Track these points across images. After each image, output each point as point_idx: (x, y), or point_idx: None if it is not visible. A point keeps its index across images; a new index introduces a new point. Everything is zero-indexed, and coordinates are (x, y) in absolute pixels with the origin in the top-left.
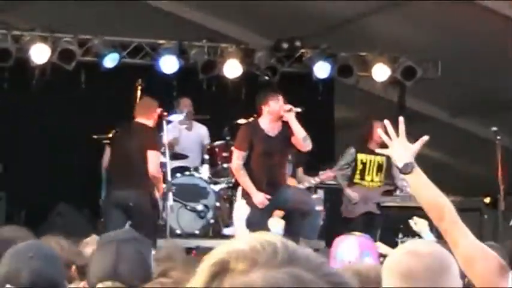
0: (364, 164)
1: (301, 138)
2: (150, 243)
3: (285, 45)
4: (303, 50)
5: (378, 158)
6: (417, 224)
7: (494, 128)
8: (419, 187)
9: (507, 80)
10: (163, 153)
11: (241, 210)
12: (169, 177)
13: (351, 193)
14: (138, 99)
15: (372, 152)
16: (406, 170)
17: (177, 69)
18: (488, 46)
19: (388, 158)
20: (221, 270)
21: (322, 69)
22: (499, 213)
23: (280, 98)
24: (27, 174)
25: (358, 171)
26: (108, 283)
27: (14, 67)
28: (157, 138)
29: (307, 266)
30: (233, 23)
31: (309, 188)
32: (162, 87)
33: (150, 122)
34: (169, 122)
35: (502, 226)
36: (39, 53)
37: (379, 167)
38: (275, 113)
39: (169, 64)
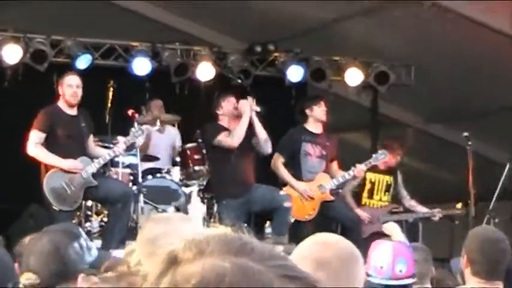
0: (373, 183)
1: (263, 139)
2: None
3: (258, 49)
4: (276, 54)
5: (387, 178)
6: (387, 227)
7: (466, 134)
8: None
9: (480, 86)
10: (135, 155)
11: (196, 208)
12: (140, 179)
13: (362, 214)
14: (110, 101)
15: (381, 172)
16: None
17: (150, 72)
18: (461, 52)
19: (396, 178)
20: (171, 264)
21: (295, 73)
22: (469, 219)
23: (232, 98)
24: None
25: (366, 190)
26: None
27: None
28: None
29: (257, 257)
30: (206, 26)
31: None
32: (134, 89)
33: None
34: (140, 123)
35: None
36: (11, 54)
37: (388, 187)
38: (229, 113)
39: (141, 66)
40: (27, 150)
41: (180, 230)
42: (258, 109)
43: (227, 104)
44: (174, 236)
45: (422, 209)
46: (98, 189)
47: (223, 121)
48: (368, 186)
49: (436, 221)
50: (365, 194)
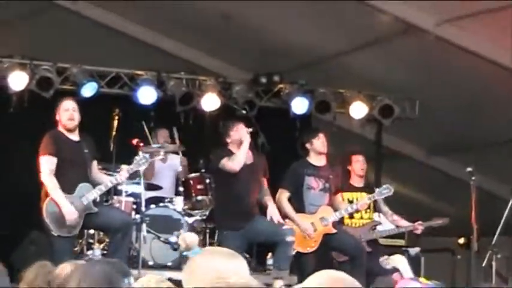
0: (351, 202)
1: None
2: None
3: (264, 80)
4: (281, 85)
5: (364, 194)
6: (392, 260)
7: (470, 169)
8: None
9: (484, 119)
10: (138, 184)
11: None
12: (143, 208)
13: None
14: (115, 129)
15: (357, 189)
16: None
17: (155, 101)
18: (465, 86)
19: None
20: None
21: (300, 105)
22: (471, 254)
23: (240, 125)
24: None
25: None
26: None
27: None
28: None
29: None
30: (212, 55)
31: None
32: (139, 117)
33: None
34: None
35: (474, 267)
36: (17, 80)
37: (368, 204)
38: (237, 142)
39: (147, 95)
40: (41, 177)
41: (220, 265)
42: (250, 130)
43: (235, 133)
44: (209, 269)
45: (404, 224)
46: (98, 218)
47: (233, 148)
48: None
49: (438, 255)
50: (346, 215)
